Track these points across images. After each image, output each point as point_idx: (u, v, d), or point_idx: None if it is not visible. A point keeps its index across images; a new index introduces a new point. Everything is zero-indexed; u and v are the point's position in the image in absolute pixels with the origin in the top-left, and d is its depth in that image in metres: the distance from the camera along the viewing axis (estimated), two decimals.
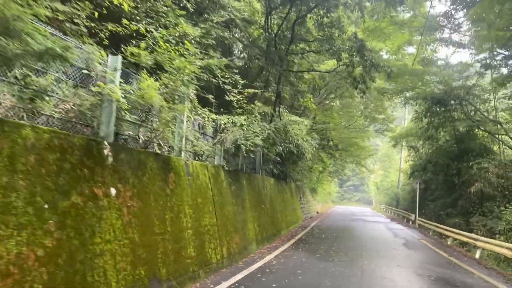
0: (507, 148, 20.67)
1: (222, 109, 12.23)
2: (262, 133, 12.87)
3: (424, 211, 25.65)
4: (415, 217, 26.54)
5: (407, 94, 23.27)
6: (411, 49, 27.61)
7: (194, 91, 8.74)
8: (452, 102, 20.69)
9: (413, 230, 22.72)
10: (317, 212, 41.21)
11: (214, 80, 11.15)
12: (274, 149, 16.85)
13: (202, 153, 10.82)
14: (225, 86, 11.43)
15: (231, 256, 10.83)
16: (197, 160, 10.46)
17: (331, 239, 16.33)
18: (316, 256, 11.60)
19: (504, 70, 20.86)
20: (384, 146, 64.67)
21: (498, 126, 20.23)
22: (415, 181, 26.98)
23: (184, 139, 9.51)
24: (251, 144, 12.12)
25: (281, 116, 20.21)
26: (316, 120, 31.54)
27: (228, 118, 11.99)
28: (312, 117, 30.87)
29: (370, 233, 19.97)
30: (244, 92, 11.40)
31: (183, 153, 9.42)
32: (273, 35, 17.76)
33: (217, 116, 11.68)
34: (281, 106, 22.23)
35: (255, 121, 12.83)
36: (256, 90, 12.00)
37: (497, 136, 20.61)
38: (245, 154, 12.04)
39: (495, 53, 18.95)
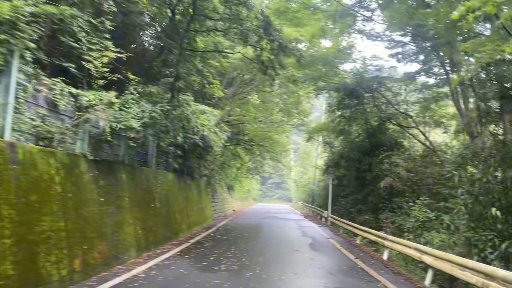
0: (417, 142, 20.50)
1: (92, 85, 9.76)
2: (142, 115, 10.60)
3: (336, 208, 25.03)
4: (328, 214, 25.87)
5: (321, 84, 22.32)
6: (328, 43, 27.00)
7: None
8: (365, 94, 20.02)
9: (324, 228, 21.84)
10: (234, 211, 39.66)
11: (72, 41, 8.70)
12: (168, 139, 14.67)
13: (50, 136, 8.28)
14: (87, 52, 8.96)
15: (88, 270, 8.43)
16: (41, 145, 7.92)
17: (231, 241, 14.53)
18: (201, 265, 9.65)
19: (415, 65, 20.74)
20: (303, 143, 65.27)
21: (409, 119, 19.93)
22: (328, 177, 26.31)
23: (10, 111, 6.98)
24: (123, 127, 9.80)
25: (181, 102, 17.99)
26: (231, 113, 29.77)
27: (95, 95, 9.54)
28: (227, 109, 29.05)
29: (277, 232, 18.58)
30: (104, 56, 8.99)
31: (7, 132, 6.88)
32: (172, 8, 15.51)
33: (79, 91, 9.21)
34: (185, 92, 20.02)
35: (133, 101, 10.51)
36: (123, 54, 9.63)
37: (407, 129, 20.34)
38: (110, 140, 9.67)
39: (406, 43, 18.52)
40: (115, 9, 10.49)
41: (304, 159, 61.95)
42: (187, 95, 19.72)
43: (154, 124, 11.57)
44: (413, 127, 19.95)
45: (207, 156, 22.00)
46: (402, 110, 20.03)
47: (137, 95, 10.76)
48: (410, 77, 20.57)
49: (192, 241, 14.38)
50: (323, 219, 27.48)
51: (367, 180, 21.70)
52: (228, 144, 30.40)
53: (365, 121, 20.99)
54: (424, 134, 19.58)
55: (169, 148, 17.05)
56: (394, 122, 20.70)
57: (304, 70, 20.22)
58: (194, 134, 18.94)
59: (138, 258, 10.90)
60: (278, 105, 29.81)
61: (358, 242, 15.78)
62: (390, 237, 12.22)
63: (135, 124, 10.15)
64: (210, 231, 18.13)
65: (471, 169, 12.58)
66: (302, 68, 19.20)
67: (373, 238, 13.84)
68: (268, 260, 10.54)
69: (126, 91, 10.45)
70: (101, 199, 9.80)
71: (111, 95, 9.61)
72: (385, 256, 12.03)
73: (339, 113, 21.68)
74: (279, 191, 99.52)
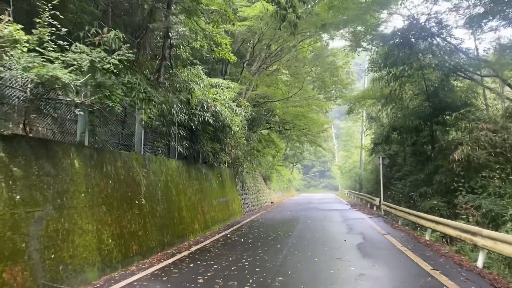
0: (494, 100, 15.73)
1: None
2: (78, 61, 6.96)
3: (390, 193, 20.61)
4: (380, 201, 21.51)
5: (359, 28, 17.79)
6: None
7: None
8: (421, 43, 15.47)
9: (376, 219, 17.59)
10: (272, 203, 36.08)
11: None
12: (154, 113, 11.14)
13: None
14: None
15: None
16: None
17: (247, 246, 10.78)
18: None
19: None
20: (346, 125, 60.48)
21: (482, 71, 15.19)
22: (377, 156, 21.87)
23: None
24: (36, 79, 6.20)
25: (177, 68, 14.37)
26: (257, 90, 25.87)
27: None
28: (253, 86, 25.22)
29: (314, 228, 14.62)
30: None
31: None
32: None
33: None
34: (192, 62, 16.40)
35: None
36: None
37: (482, 80, 15.58)
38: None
39: None
40: None
41: (347, 141, 57.04)
42: (197, 66, 16.25)
43: (113, 87, 7.95)
44: (491, 76, 15.20)
45: (225, 138, 18.31)
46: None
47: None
48: (475, 22, 15.83)
49: (194, 248, 10.77)
50: (374, 208, 23.13)
51: (430, 155, 17.19)
52: (252, 127, 26.69)
53: (423, 78, 16.44)
54: (509, 85, 14.79)
55: (170, 128, 13.53)
56: (464, 75, 16.00)
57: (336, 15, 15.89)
58: (203, 110, 15.46)
59: (97, 281, 7.42)
60: (310, 76, 25.64)
61: (427, 238, 11.53)
62: (486, 231, 7.94)
63: (64, 75, 6.54)
64: (229, 231, 14.50)
65: None
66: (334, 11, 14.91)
67: (452, 232, 9.55)
68: (290, 283, 6.67)
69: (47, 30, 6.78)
70: (16, 197, 6.32)
71: (12, 27, 6.03)
72: (479, 262, 7.79)
73: (385, 71, 17.22)
74: (324, 180, 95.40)
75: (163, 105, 12.30)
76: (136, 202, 10.28)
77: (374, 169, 27.58)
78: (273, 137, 36.93)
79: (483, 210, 10.93)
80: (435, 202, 13.99)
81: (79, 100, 7.53)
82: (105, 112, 9.02)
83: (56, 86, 6.83)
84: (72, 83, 6.79)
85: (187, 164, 15.32)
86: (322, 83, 25.99)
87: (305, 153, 58.43)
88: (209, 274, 7.31)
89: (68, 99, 7.35)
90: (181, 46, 15.49)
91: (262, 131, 32.67)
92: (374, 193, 24.50)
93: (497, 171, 11.89)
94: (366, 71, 25.13)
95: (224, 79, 20.71)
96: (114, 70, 7.73)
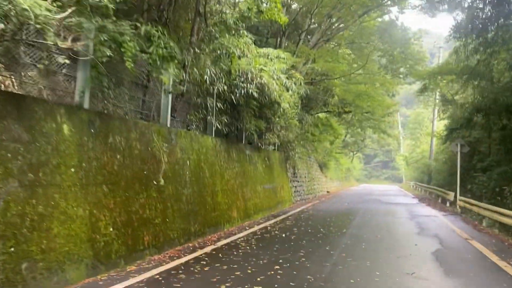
0: None
1: None
2: None
3: (469, 187, 17.40)
4: (455, 196, 18.37)
5: None
6: None
7: None
8: None
9: (452, 218, 14.68)
10: (328, 192, 33.57)
11: None
12: (174, 71, 9.21)
13: None
14: None
15: None
16: None
17: (287, 244, 8.66)
18: None
19: None
20: (414, 112, 55.96)
21: None
22: (454, 143, 18.62)
23: None
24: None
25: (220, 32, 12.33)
26: (315, 66, 23.29)
27: None
28: (310, 61, 22.71)
29: (375, 226, 12.18)
30: None
31: None
32: None
33: None
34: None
35: None
36: None
37: None
38: None
39: None
40: None
41: (415, 129, 52.57)
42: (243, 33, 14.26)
43: (121, 35, 6.13)
44: None
45: (273, 117, 16.15)
46: None
47: None
48: None
49: (223, 241, 8.87)
50: (448, 204, 19.95)
51: None
52: (308, 108, 24.18)
53: None
54: None
55: (207, 100, 11.63)
56: None
57: None
58: (247, 82, 13.43)
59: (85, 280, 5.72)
60: (376, 49, 22.56)
61: None
62: None
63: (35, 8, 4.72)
64: (272, 222, 12.48)
65: None
66: None
67: None
68: None
69: None
70: None
71: None
72: None
73: (472, 39, 14.05)
74: (386, 171, 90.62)
75: (194, 68, 10.40)
76: (155, 182, 8.50)
77: (448, 159, 24.12)
78: (332, 121, 34.15)
79: None
80: None
81: (64, 44, 5.74)
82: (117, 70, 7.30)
83: (29, 22, 5.06)
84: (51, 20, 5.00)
85: (227, 143, 13.41)
86: (390, 57, 22.86)
87: (367, 141, 54.84)
88: (222, 287, 5.28)
89: (49, 42, 5.56)
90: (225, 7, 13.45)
91: (319, 114, 30.10)
92: (447, 187, 21.22)
93: None
94: (442, 45, 21.69)
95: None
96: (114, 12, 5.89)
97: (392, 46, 24.69)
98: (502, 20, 13.37)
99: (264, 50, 16.16)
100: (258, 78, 13.69)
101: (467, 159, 18.37)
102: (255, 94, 13.25)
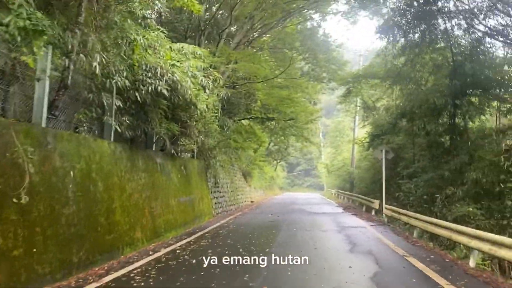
0: None
1: None
2: None
3: (395, 195, 16.88)
4: (381, 204, 17.81)
5: None
6: None
7: None
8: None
9: (382, 229, 13.80)
10: (251, 202, 32.26)
11: None
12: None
13: None
14: None
15: None
16: None
17: (198, 276, 6.84)
18: None
19: None
20: (335, 121, 57.15)
21: None
22: (378, 149, 18.13)
23: None
24: None
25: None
26: (236, 68, 21.79)
27: None
28: (232, 63, 21.16)
29: (301, 243, 10.80)
30: None
31: None
32: None
33: None
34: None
35: None
36: None
37: None
38: None
39: None
40: None
41: (336, 137, 53.52)
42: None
43: None
44: None
45: (188, 120, 14.31)
46: None
47: None
48: None
49: (111, 276, 6.82)
50: (373, 212, 19.40)
51: (450, 147, 13.54)
52: (230, 114, 22.70)
53: (448, 45, 12.76)
54: None
55: (101, 96, 9.47)
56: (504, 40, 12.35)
57: None
58: (156, 78, 11.50)
59: None
60: (300, 53, 21.76)
61: (472, 264, 7.77)
62: None
63: None
64: (184, 243, 10.59)
65: None
66: None
67: None
68: None
69: None
70: None
71: None
72: None
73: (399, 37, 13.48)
74: (308, 179, 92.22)
75: (81, 55, 8.26)
76: (14, 201, 6.25)
77: (370, 166, 23.90)
78: (256, 128, 33.06)
79: None
80: (470, 208, 10.25)
81: None
82: None
83: None
84: None
85: (131, 149, 11.29)
86: (314, 61, 22.18)
87: (290, 149, 54.74)
88: None
89: None
90: None
91: (242, 120, 28.78)
92: (372, 194, 20.78)
93: None
94: (362, 53, 21.38)
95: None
96: None
97: (314, 52, 24.16)
98: (428, 18, 12.93)
99: (178, 45, 14.33)
100: (170, 74, 11.81)
101: (392, 166, 17.94)
102: (166, 93, 11.37)
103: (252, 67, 20.41)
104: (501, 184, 9.78)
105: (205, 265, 7.55)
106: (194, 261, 8.02)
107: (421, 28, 14.01)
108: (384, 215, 16.66)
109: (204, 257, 8.02)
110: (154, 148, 13.54)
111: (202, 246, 9.96)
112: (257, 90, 22.67)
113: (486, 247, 7.27)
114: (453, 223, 9.26)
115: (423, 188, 14.20)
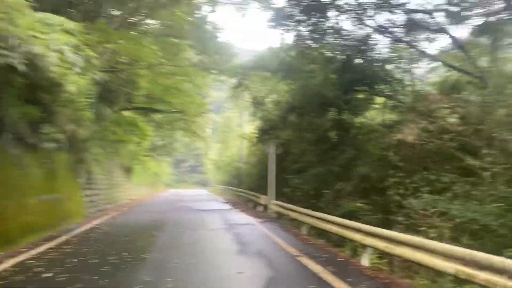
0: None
1: None
2: None
3: (284, 191, 16.65)
4: (269, 200, 17.48)
5: None
6: None
7: None
8: None
9: (271, 226, 13.30)
10: (133, 200, 29.97)
11: None
12: None
13: None
14: None
15: None
16: None
17: None
18: None
19: None
20: (224, 116, 56.75)
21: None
22: (267, 144, 17.79)
23: None
24: None
25: None
26: (117, 51, 19.56)
27: None
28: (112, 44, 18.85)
29: (186, 246, 9.65)
30: None
31: None
32: None
33: None
34: None
35: None
36: None
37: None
38: None
39: None
40: None
41: (225, 133, 53.15)
42: None
43: None
44: (435, 31, 11.95)
45: (52, 104, 12.14)
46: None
47: None
48: None
49: None
50: (261, 208, 19.04)
51: (338, 142, 13.61)
52: (109, 103, 20.48)
53: (340, 39, 12.72)
54: (462, 47, 11.62)
55: None
56: (391, 36, 12.64)
57: None
58: (9, 49, 9.38)
59: None
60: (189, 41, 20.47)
61: (365, 263, 7.45)
62: None
63: None
64: (42, 250, 8.74)
65: None
66: None
67: (440, 264, 5.45)
68: None
69: None
70: None
71: None
72: None
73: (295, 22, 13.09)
74: (196, 175, 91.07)
75: None
76: None
77: (259, 162, 23.65)
78: (138, 120, 30.75)
79: (457, 219, 7.25)
80: (359, 204, 10.14)
81: None
82: None
83: None
84: None
85: None
86: (204, 49, 21.07)
87: (177, 144, 52.85)
88: None
89: None
90: None
91: (123, 111, 26.41)
92: (260, 190, 20.43)
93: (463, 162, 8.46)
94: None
95: None
96: None
97: (204, 42, 23.08)
98: (319, 11, 12.75)
99: (41, 15, 12.05)
100: (29, 46, 9.75)
101: (281, 161, 17.71)
102: (22, 68, 9.31)
103: (135, 49, 18.51)
104: (389, 179, 9.86)
105: (61, 279, 5.98)
106: (45, 276, 6.34)
107: (312, 21, 13.83)
108: (272, 210, 16.32)
109: (60, 270, 6.42)
110: (7, 136, 11.18)
111: (63, 255, 8.20)
112: (140, 77, 20.77)
113: (382, 244, 6.95)
114: (347, 219, 8.95)
115: (311, 183, 14.08)
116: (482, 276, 4.67)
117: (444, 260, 5.32)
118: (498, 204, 7.24)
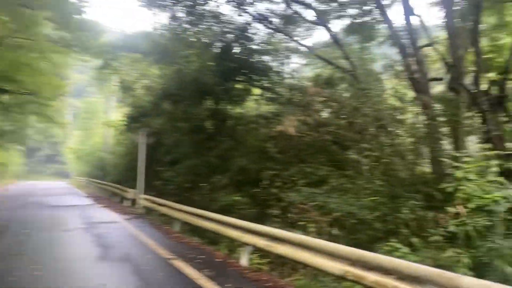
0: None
1: None
2: None
3: (155, 184, 15.50)
4: (137, 194, 16.14)
5: None
6: None
7: None
8: None
9: (139, 224, 12.11)
10: None
11: None
12: None
13: None
14: None
15: None
16: None
17: None
18: None
19: None
20: (87, 101, 52.24)
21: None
22: (138, 133, 16.38)
23: None
24: None
25: None
26: None
27: None
28: None
29: (35, 249, 8.11)
30: None
31: None
32: None
33: None
34: None
35: None
36: None
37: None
38: None
39: None
40: None
41: (88, 119, 48.89)
42: None
43: None
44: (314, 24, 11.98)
45: None
46: None
47: None
48: None
49: None
50: (129, 203, 17.54)
51: (215, 133, 13.03)
52: None
53: (220, 25, 12.04)
54: (338, 43, 11.72)
55: None
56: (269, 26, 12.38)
57: None
58: None
59: None
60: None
61: (245, 262, 6.96)
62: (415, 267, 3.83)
63: None
64: None
65: None
66: None
67: (329, 266, 5.14)
68: None
69: None
70: None
71: None
72: None
73: None
74: (53, 166, 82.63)
75: None
76: None
77: (127, 152, 21.88)
78: None
79: (335, 213, 7.15)
80: (236, 197, 9.67)
81: None
82: None
83: None
84: None
85: None
86: (64, 24, 18.41)
87: (30, 131, 46.88)
88: None
89: None
90: None
91: None
92: (128, 183, 18.82)
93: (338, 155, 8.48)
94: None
95: None
96: None
97: (66, 16, 20.31)
98: None
99: None
100: None
101: (152, 151, 16.42)
102: None
103: None
104: (267, 171, 9.59)
105: None
106: None
107: (189, 2, 12.95)
108: (141, 205, 15.07)
109: None
110: None
111: None
112: None
113: (262, 242, 6.53)
114: (223, 215, 8.38)
115: (185, 176, 13.25)
116: (372, 277, 4.46)
117: (331, 260, 5.06)
118: (373, 198, 7.45)
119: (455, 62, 10.69)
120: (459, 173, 6.06)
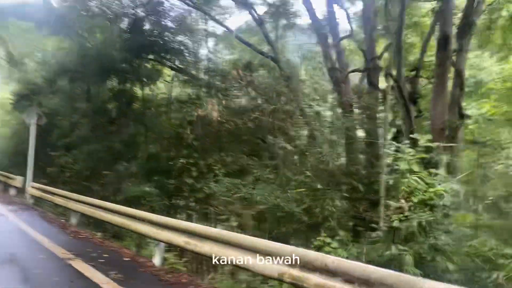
0: None
1: None
2: None
3: (46, 171, 13.67)
4: (26, 182, 14.13)
5: None
6: None
7: None
8: None
9: (28, 216, 10.45)
10: None
11: None
12: None
13: None
14: None
15: None
16: None
17: None
18: None
19: None
20: None
21: None
22: (28, 112, 14.31)
23: None
24: None
25: None
26: None
27: None
28: None
29: None
30: None
31: None
32: None
33: None
34: None
35: None
36: None
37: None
38: None
39: None
40: None
41: None
42: None
43: None
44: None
45: None
46: None
47: None
48: None
49: None
50: (16, 192, 15.33)
51: (123, 114, 11.81)
52: None
53: None
54: (256, 20, 10.92)
55: None
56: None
57: None
58: None
59: None
60: None
61: (157, 262, 6.11)
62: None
63: None
64: None
65: None
66: None
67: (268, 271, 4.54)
68: None
69: None
70: None
71: None
72: None
73: None
74: None
75: None
76: None
77: (14, 134, 19.22)
78: None
79: (261, 206, 6.59)
80: (147, 188, 8.68)
81: None
82: None
83: None
84: None
85: None
86: None
87: None
88: None
89: None
90: None
91: None
92: (14, 169, 16.46)
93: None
94: None
95: None
96: None
97: None
98: None
99: None
100: None
101: (46, 134, 14.43)
102: None
103: None
104: (182, 159, 8.74)
105: None
106: None
107: None
108: (30, 195, 13.18)
109: None
110: None
111: None
112: None
113: (180, 239, 5.74)
114: (130, 207, 7.39)
115: (84, 162, 11.77)
116: (314, 279, 3.98)
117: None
118: (299, 190, 7.08)
119: (372, 55, 10.82)
120: (403, 165, 5.91)
